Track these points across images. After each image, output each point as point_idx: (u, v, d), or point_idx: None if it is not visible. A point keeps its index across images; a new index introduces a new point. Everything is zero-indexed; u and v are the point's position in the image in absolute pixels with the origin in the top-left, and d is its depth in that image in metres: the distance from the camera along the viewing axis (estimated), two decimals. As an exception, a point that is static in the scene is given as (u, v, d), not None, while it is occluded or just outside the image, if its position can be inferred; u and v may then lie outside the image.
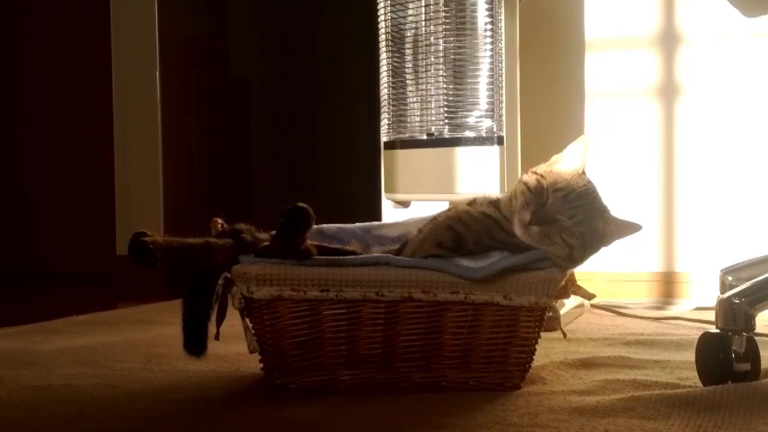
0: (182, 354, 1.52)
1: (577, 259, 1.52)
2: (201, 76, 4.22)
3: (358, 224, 1.79)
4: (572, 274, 1.60)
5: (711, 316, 1.61)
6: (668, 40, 2.89)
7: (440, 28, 2.29)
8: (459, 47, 2.27)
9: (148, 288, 3.09)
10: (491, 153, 2.24)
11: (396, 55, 2.40)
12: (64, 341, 2.13)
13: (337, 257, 1.52)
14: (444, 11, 2.28)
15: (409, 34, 2.36)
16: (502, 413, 1.38)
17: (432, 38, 2.31)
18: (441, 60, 2.29)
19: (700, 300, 2.75)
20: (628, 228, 1.54)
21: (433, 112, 2.32)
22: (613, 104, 2.93)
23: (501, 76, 2.24)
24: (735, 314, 1.51)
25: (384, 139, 2.48)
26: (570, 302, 2.36)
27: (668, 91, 2.89)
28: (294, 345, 1.51)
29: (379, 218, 2.98)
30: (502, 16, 2.23)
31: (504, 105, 2.24)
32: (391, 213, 2.74)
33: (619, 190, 2.79)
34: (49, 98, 4.04)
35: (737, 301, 1.52)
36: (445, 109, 2.29)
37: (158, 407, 1.49)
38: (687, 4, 2.86)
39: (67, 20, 3.99)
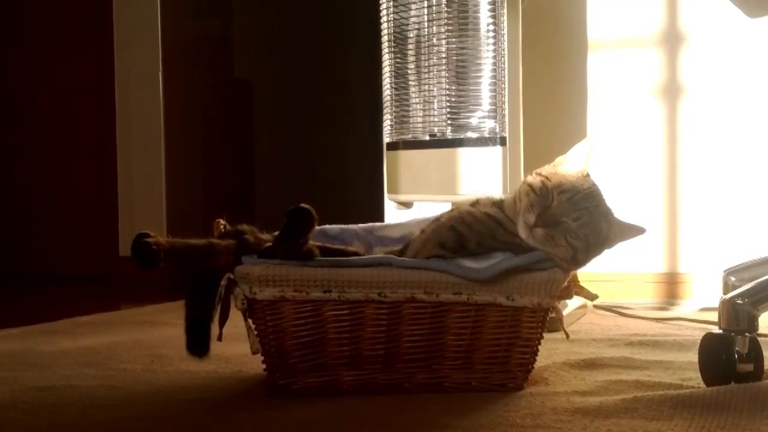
0: (185, 355, 1.52)
1: (580, 261, 1.52)
2: (204, 78, 4.23)
3: (360, 225, 1.79)
4: (575, 275, 1.60)
5: (714, 316, 1.61)
6: (671, 40, 2.89)
7: (443, 29, 2.29)
8: (461, 48, 2.27)
9: (151, 289, 3.09)
10: (494, 154, 2.24)
11: (399, 55, 2.40)
12: (67, 342, 2.13)
13: (339, 258, 1.52)
14: (446, 12, 2.28)
15: (411, 35, 2.37)
16: (505, 414, 1.38)
17: (434, 39, 2.31)
18: (443, 61, 2.29)
19: (703, 301, 2.75)
20: (631, 231, 1.54)
21: (436, 112, 2.32)
22: (616, 104, 2.93)
23: (504, 76, 2.24)
24: (738, 315, 1.51)
25: (387, 139, 2.48)
26: (573, 303, 2.36)
27: (671, 91, 2.89)
28: (297, 346, 1.51)
29: (381, 219, 2.98)
30: (505, 17, 2.23)
31: (506, 106, 2.24)
32: (393, 214, 2.74)
33: (622, 191, 2.79)
34: (52, 99, 4.04)
35: (740, 302, 1.52)
36: (448, 109, 2.30)
37: (161, 408, 1.49)
38: (690, 4, 2.86)
39: (70, 21, 4.00)
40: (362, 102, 4.93)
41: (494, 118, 2.25)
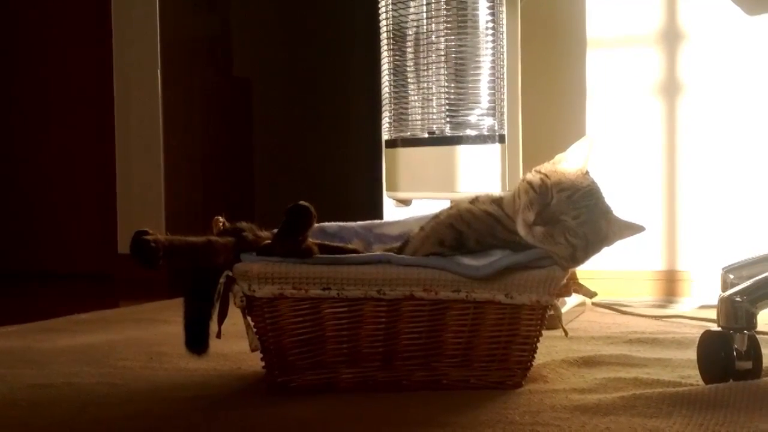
0: (184, 352, 1.52)
1: (579, 259, 1.52)
2: (203, 75, 4.22)
3: (359, 222, 1.79)
4: (574, 273, 1.60)
5: (712, 314, 1.61)
6: (670, 37, 2.88)
7: (441, 27, 2.29)
8: (460, 45, 2.27)
9: (150, 287, 3.09)
10: (492, 151, 2.24)
11: (397, 53, 2.40)
12: (66, 340, 2.13)
13: (338, 256, 1.52)
14: (445, 9, 2.28)
15: (410, 33, 2.36)
16: (504, 411, 1.38)
17: (433, 36, 2.31)
18: (442, 58, 2.29)
19: (702, 298, 2.75)
20: (631, 229, 1.54)
21: (435, 110, 2.32)
22: (614, 102, 2.92)
23: (502, 74, 2.23)
24: (736, 312, 1.51)
25: (385, 137, 2.48)
26: (571, 300, 2.36)
27: (670, 88, 2.89)
28: (295, 343, 1.51)
29: (380, 217, 2.98)
30: (504, 14, 2.22)
31: (505, 103, 2.23)
32: (392, 211, 2.74)
33: (621, 188, 2.79)
34: (51, 97, 4.04)
35: (739, 300, 1.52)
36: (447, 107, 2.29)
37: (160, 406, 1.49)
38: (689, 1, 2.86)
39: (69, 18, 3.99)
40: (361, 99, 4.93)
41: (493, 115, 2.25)
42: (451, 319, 1.52)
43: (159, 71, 3.79)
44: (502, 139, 2.24)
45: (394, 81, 2.41)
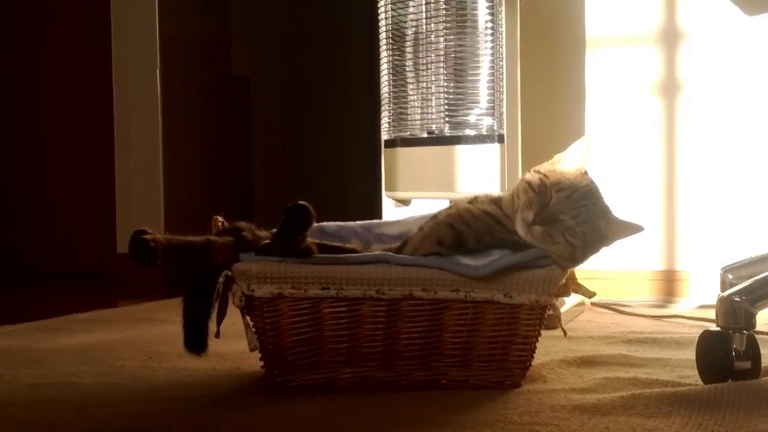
0: (183, 352, 1.52)
1: (578, 258, 1.52)
2: (201, 75, 4.22)
3: (358, 222, 1.79)
4: (572, 272, 1.60)
5: (711, 314, 1.61)
6: (669, 37, 2.88)
7: (441, 26, 2.29)
8: (460, 45, 2.27)
9: (149, 286, 3.09)
10: (492, 151, 2.24)
11: (396, 53, 2.40)
12: (65, 339, 2.13)
13: (337, 255, 1.52)
14: (444, 9, 2.27)
15: (409, 32, 2.36)
16: (503, 411, 1.38)
17: (432, 36, 2.31)
18: (442, 58, 2.29)
19: (701, 298, 2.75)
20: (629, 229, 1.54)
21: (434, 110, 2.32)
22: (614, 102, 2.93)
23: (501, 74, 2.23)
24: (735, 312, 1.51)
25: (384, 137, 2.48)
26: (570, 300, 2.36)
27: (669, 88, 2.89)
28: (294, 343, 1.51)
29: (379, 216, 2.98)
30: (503, 14, 2.22)
31: (504, 103, 2.23)
32: (391, 211, 2.74)
33: (620, 188, 2.79)
34: (50, 97, 4.04)
35: (738, 299, 1.52)
36: (446, 107, 2.29)
37: (158, 405, 1.49)
38: (688, 1, 2.86)
39: (68, 18, 3.99)
40: (360, 99, 4.93)
41: (492, 115, 2.25)
42: (450, 319, 1.52)
43: (158, 71, 3.79)
44: (501, 138, 2.24)
45: (393, 81, 2.41)
